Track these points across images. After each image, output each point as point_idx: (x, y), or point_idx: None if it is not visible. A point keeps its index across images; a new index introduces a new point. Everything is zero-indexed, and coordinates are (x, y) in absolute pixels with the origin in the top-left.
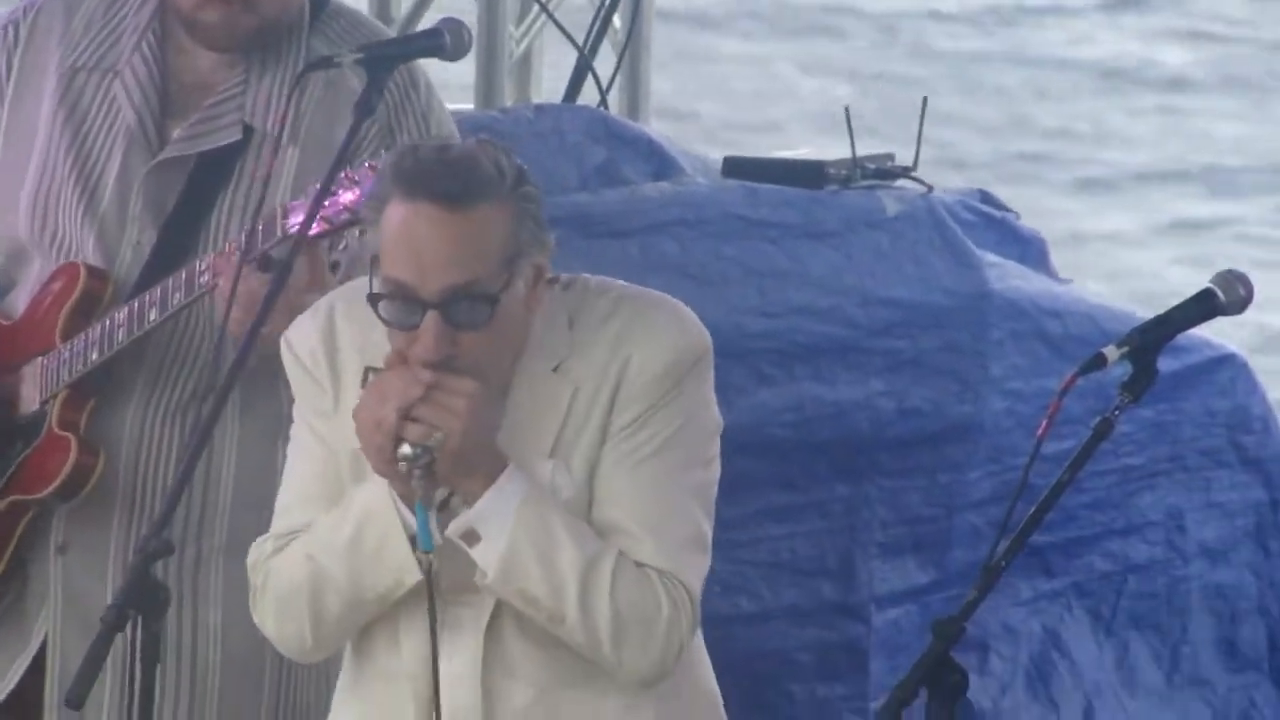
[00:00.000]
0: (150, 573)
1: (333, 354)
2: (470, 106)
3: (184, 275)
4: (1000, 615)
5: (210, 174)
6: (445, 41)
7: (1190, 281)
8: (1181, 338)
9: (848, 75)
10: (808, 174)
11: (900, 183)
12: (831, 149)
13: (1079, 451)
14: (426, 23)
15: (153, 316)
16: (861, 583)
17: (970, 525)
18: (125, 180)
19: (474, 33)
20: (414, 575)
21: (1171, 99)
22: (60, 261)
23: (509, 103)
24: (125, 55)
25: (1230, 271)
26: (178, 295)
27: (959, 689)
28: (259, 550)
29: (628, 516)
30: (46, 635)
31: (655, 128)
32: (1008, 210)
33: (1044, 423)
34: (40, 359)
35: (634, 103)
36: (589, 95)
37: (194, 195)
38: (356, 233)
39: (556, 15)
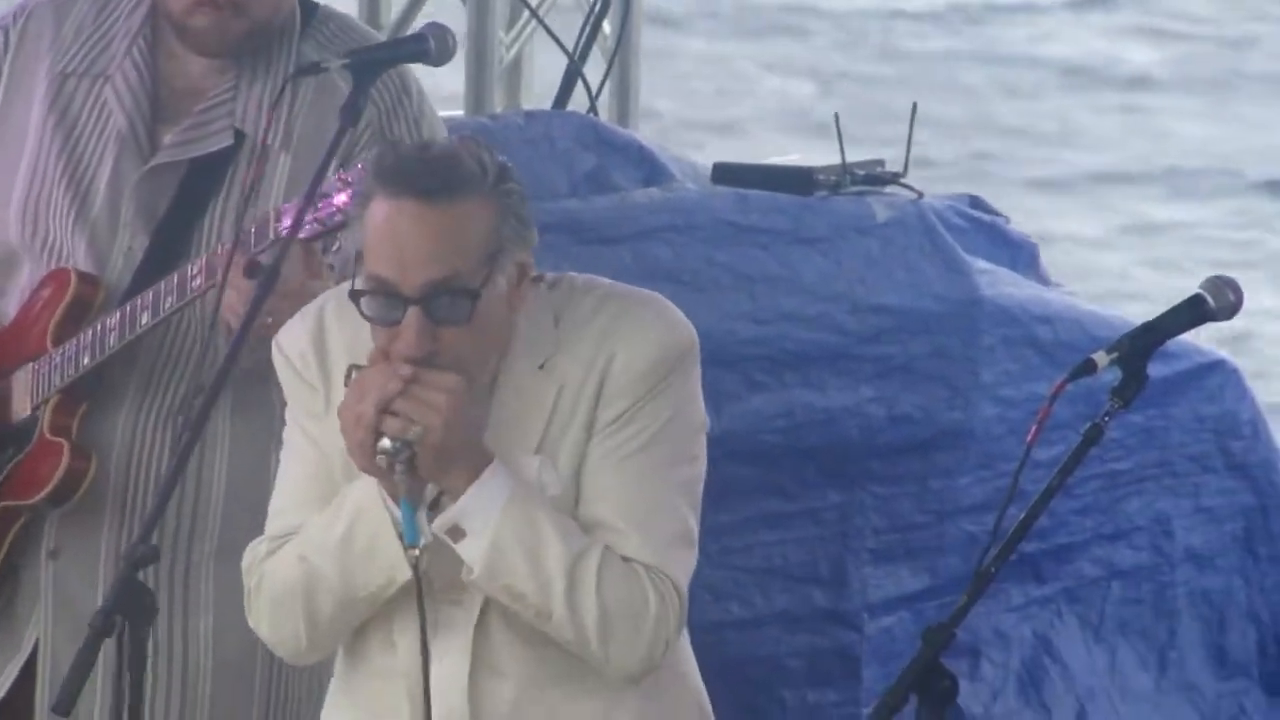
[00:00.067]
0: (137, 579)
1: (323, 356)
2: (460, 113)
3: (176, 279)
4: (991, 621)
5: (202, 179)
6: (430, 47)
7: (1155, 283)
8: (1171, 344)
9: (809, 74)
10: (797, 180)
11: (890, 189)
12: (793, 149)
13: (1069, 457)
14: (416, 28)
15: (144, 321)
16: (854, 589)
17: (962, 532)
18: (116, 186)
19: (463, 38)
20: (405, 573)
21: (1135, 98)
22: (51, 267)
23: (499, 109)
24: (116, 60)
25: (1219, 277)
26: (170, 299)
27: (949, 695)
28: (253, 553)
29: (613, 512)
30: (38, 640)
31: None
32: (998, 214)
33: (1034, 428)
34: (31, 364)
35: (624, 109)
36: (579, 101)
37: (186, 201)
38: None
39: (546, 21)
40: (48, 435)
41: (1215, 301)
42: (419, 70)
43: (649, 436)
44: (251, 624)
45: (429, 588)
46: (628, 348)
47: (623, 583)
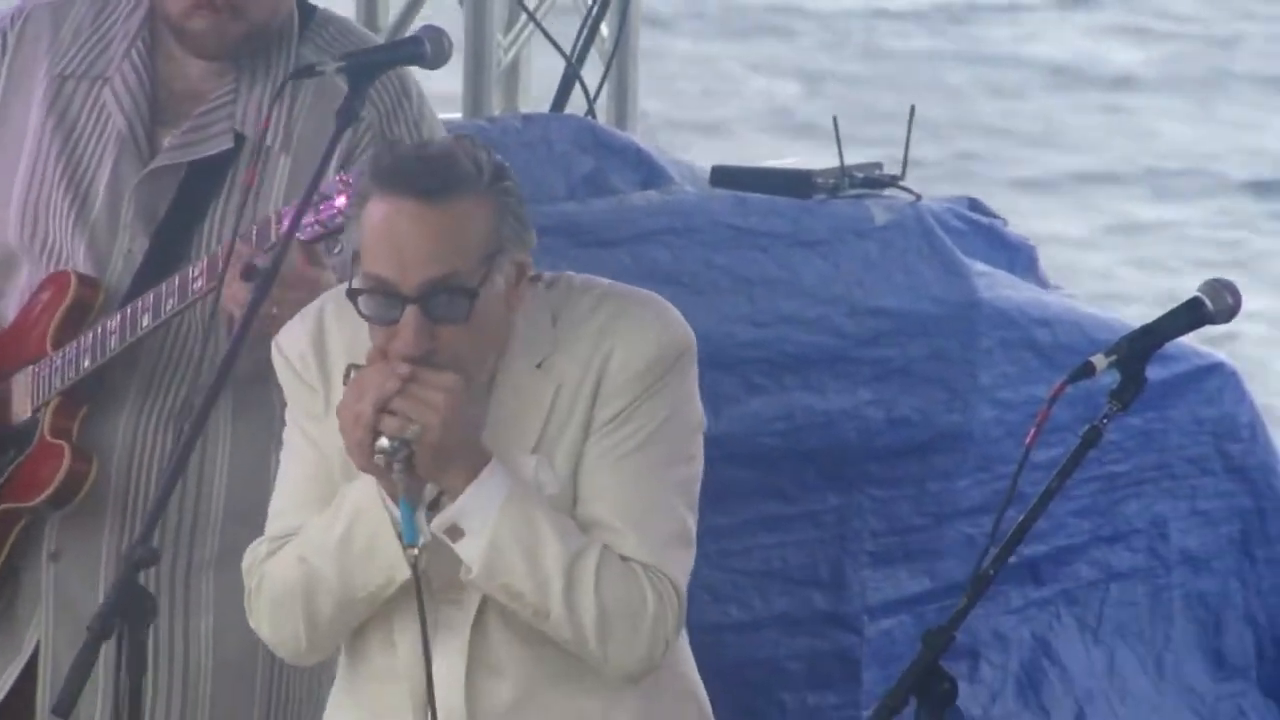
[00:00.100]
0: (136, 581)
1: (322, 357)
2: (458, 115)
3: (177, 281)
4: (990, 623)
5: (202, 182)
6: (426, 50)
7: (1139, 283)
8: (1169, 346)
9: (795, 75)
10: (796, 183)
11: (888, 191)
12: (779, 149)
13: (1067, 459)
14: (414, 30)
15: (145, 323)
16: (853, 592)
17: (961, 534)
18: (116, 188)
19: (461, 41)
20: (404, 572)
21: (1119, 97)
22: (50, 269)
23: (496, 112)
24: (115, 63)
25: (1218, 280)
26: (171, 301)
27: (948, 697)
28: (253, 554)
29: (611, 511)
30: (39, 642)
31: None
32: (996, 217)
33: (1032, 431)
34: (32, 367)
35: (622, 111)
36: (577, 104)
37: (185, 203)
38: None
39: (544, 24)
40: (48, 438)
41: (1213, 304)
42: (417, 73)
43: (646, 436)
44: (252, 624)
45: (427, 587)
46: (625, 347)
47: (621, 582)
